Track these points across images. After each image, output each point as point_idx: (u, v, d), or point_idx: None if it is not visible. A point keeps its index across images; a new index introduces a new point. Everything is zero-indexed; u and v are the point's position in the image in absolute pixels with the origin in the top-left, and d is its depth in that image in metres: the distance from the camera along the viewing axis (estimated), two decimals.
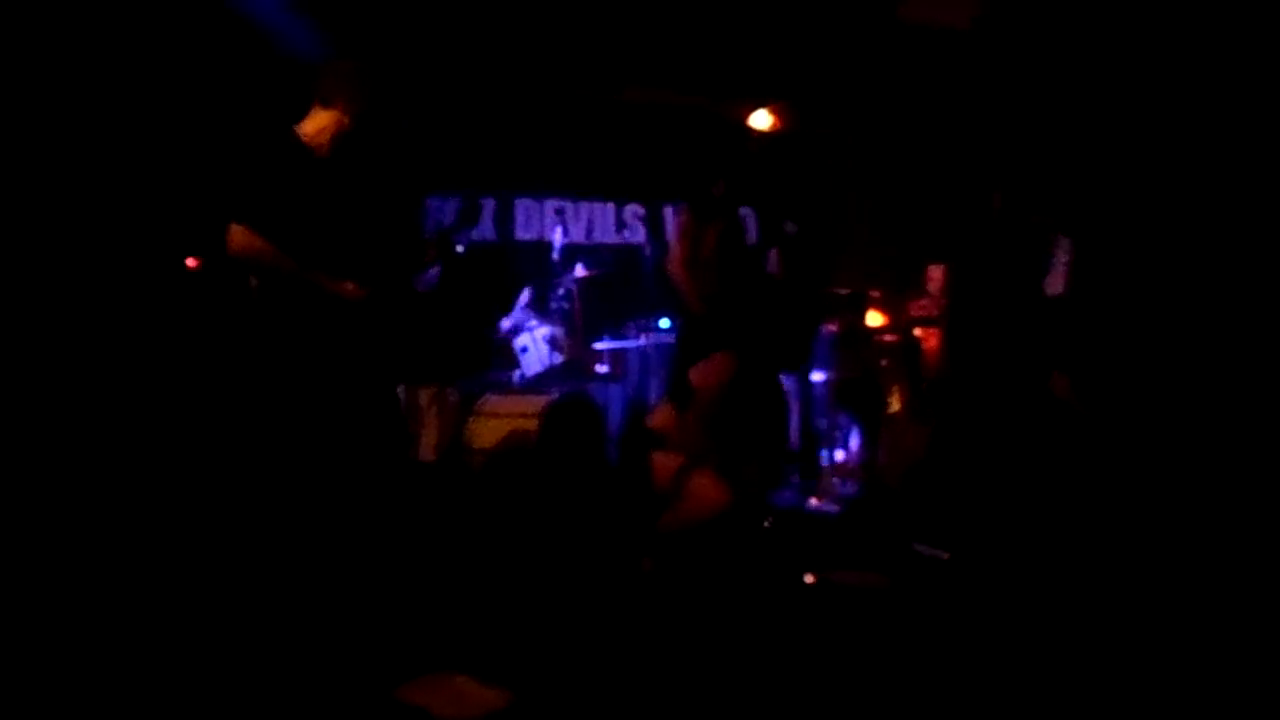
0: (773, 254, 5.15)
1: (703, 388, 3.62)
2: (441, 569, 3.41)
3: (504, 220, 6.58)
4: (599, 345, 5.65)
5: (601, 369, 5.68)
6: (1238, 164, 3.75)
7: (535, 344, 5.09)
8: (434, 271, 5.06)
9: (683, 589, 3.31)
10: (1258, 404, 3.50)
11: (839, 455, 5.41)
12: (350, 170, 2.95)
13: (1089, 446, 3.76)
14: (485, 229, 6.47)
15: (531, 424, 4.30)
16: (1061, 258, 4.10)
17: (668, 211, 6.77)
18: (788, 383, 5.21)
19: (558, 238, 5.52)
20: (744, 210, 4.98)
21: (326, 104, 2.90)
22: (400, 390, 4.24)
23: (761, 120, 5.71)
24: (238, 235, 2.72)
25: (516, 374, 5.06)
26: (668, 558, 3.37)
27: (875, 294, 5.57)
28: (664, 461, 3.58)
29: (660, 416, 3.76)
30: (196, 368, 4.10)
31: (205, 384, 4.02)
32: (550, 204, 6.61)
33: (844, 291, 5.57)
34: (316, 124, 2.90)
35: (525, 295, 5.38)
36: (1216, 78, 3.86)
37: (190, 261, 4.35)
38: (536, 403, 4.43)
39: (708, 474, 3.46)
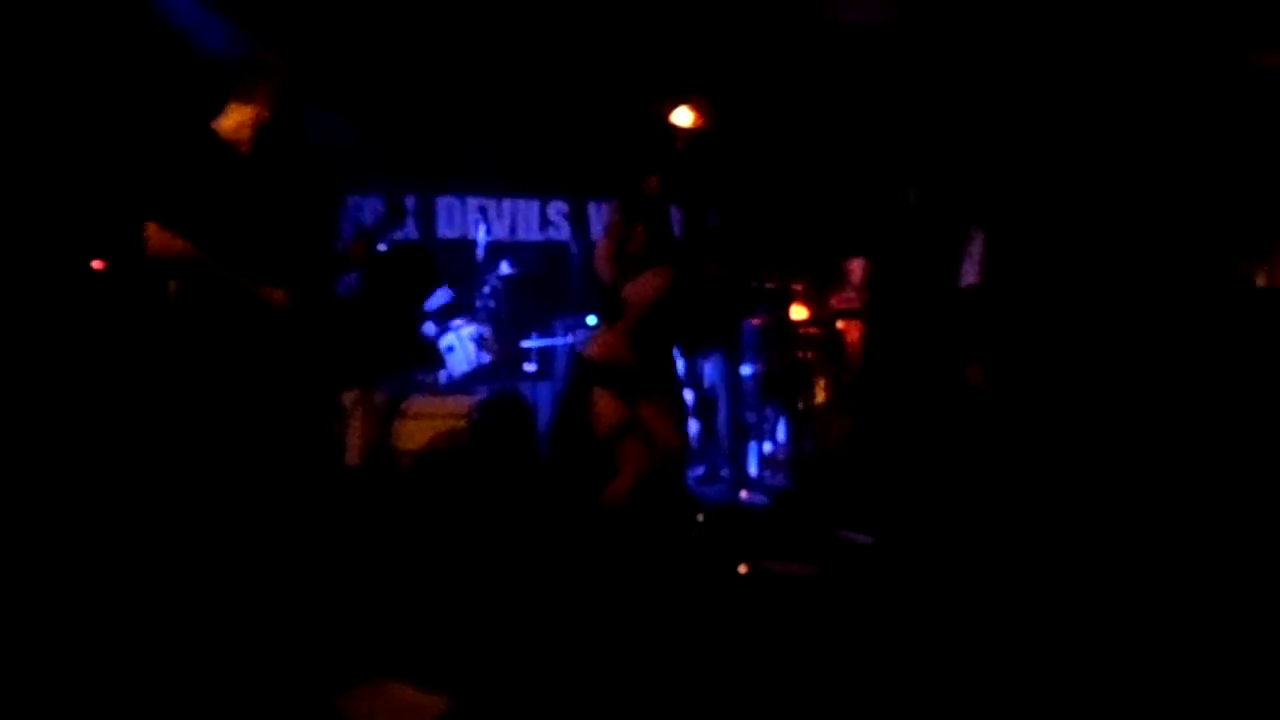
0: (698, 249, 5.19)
1: (635, 302, 3.67)
2: (374, 573, 3.36)
3: (426, 219, 6.48)
4: (526, 343, 5.62)
5: (529, 367, 5.66)
6: (1142, 158, 3.94)
7: (462, 343, 5.02)
8: (354, 274, 4.95)
9: (619, 582, 3.32)
10: (1164, 387, 3.68)
11: (767, 447, 5.50)
12: (272, 168, 2.87)
13: (1001, 430, 3.91)
14: (406, 228, 6.35)
15: (460, 424, 4.25)
16: (975, 250, 4.24)
17: (592, 208, 6.75)
18: (715, 376, 5.28)
19: (481, 236, 5.47)
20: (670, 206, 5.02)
21: (245, 99, 2.81)
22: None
23: (683, 117, 5.75)
24: (155, 234, 2.61)
25: (443, 374, 4.99)
26: (607, 541, 3.41)
27: (798, 288, 5.68)
28: (608, 406, 3.61)
29: (594, 345, 3.80)
30: (107, 376, 3.94)
31: (118, 393, 3.86)
32: (473, 202, 6.53)
33: (769, 286, 5.66)
34: (235, 120, 2.80)
35: (444, 294, 5.28)
36: (1123, 75, 4.04)
37: (96, 264, 4.17)
38: (464, 402, 4.38)
39: (637, 442, 3.53)
